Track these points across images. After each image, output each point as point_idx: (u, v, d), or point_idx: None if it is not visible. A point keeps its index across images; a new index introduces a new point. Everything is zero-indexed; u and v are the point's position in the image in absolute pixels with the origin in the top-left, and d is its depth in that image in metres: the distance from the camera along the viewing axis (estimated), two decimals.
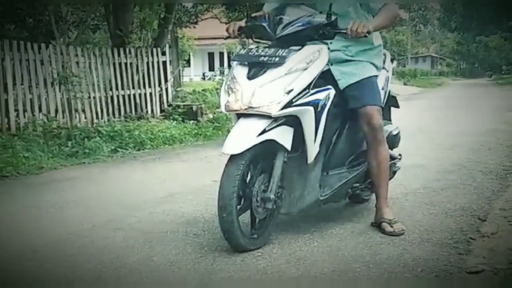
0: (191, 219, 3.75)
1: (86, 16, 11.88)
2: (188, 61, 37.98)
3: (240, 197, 3.00)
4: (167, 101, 10.72)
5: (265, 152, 3.03)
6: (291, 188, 3.21)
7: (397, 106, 4.18)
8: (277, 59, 2.99)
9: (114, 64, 9.61)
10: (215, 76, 40.80)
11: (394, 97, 4.14)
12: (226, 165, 2.94)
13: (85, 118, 8.78)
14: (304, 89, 3.02)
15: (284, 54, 3.01)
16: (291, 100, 2.97)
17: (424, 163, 5.89)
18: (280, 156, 3.07)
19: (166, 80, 10.75)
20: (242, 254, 3.02)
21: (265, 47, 3.12)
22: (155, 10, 10.31)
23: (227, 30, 3.41)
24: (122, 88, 9.72)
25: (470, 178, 5.21)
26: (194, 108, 10.28)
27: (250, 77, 3.01)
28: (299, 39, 3.14)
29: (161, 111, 10.51)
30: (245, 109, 2.96)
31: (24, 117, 7.80)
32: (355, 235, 3.42)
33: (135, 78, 9.95)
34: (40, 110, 8.07)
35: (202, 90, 16.74)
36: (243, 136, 2.92)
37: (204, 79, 43.81)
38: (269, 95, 2.93)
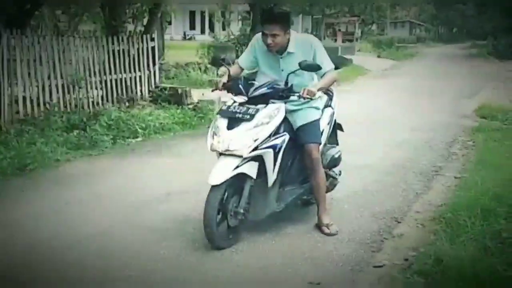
0: (185, 219, 5.05)
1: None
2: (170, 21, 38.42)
3: (219, 212, 4.30)
4: (155, 83, 11.85)
5: (237, 180, 4.33)
6: (256, 203, 4.53)
7: (342, 130, 5.48)
8: (247, 116, 4.29)
9: (108, 50, 10.69)
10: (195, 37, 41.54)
11: (339, 124, 5.44)
12: (209, 191, 4.24)
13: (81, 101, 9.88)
14: (267, 137, 4.31)
15: (253, 112, 4.29)
16: (257, 145, 4.26)
17: (371, 162, 7.20)
18: (248, 182, 4.39)
19: (154, 64, 11.87)
20: (221, 250, 4.36)
21: (239, 105, 4.39)
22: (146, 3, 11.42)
23: (216, 84, 4.67)
24: (115, 73, 10.83)
25: (403, 179, 6.56)
26: (180, 91, 11.46)
27: (229, 128, 4.30)
28: (265, 98, 4.43)
29: (149, 92, 11.66)
30: (225, 150, 4.25)
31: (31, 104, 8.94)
32: (302, 235, 4.76)
33: (127, 62, 11.06)
34: (43, 97, 9.19)
35: (185, 65, 17.88)
36: (222, 171, 4.22)
37: (185, 38, 44.51)
38: (241, 142, 4.23)
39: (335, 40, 41.70)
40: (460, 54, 40.35)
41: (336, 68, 4.95)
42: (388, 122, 10.50)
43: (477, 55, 37.11)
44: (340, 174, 5.40)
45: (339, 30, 47.78)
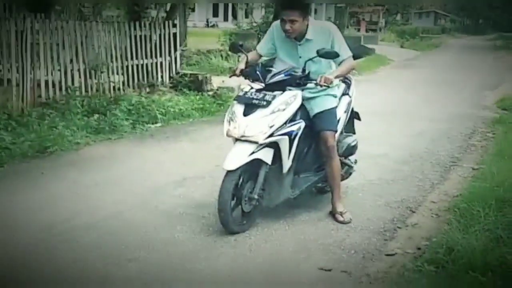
0: (200, 203, 5.13)
1: None
2: (193, 8, 38.24)
3: (233, 198, 4.35)
4: (175, 69, 11.91)
5: (252, 166, 4.37)
6: (270, 189, 4.57)
7: (359, 119, 5.49)
8: (264, 102, 4.31)
9: (130, 36, 10.75)
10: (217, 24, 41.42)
11: (357, 113, 5.45)
12: (224, 176, 4.29)
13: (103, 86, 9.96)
14: (282, 124, 4.34)
15: (269, 99, 4.32)
16: (273, 132, 4.29)
17: (388, 152, 7.20)
18: (263, 168, 4.43)
19: (175, 50, 11.92)
20: (235, 235, 4.41)
21: (256, 91, 4.42)
22: None
23: (234, 71, 4.71)
24: (136, 58, 10.90)
25: (420, 170, 6.54)
26: (200, 77, 11.52)
27: (245, 114, 4.33)
28: (282, 85, 4.45)
29: (170, 78, 11.73)
30: (241, 136, 4.29)
31: (53, 88, 9.04)
32: (315, 222, 4.80)
33: (148, 48, 11.13)
34: (65, 81, 9.29)
35: (207, 52, 17.92)
36: (238, 156, 4.26)
37: (208, 25, 44.49)
38: (257, 128, 4.26)
39: (359, 30, 41.47)
40: (485, 46, 39.82)
41: (358, 57, 4.96)
42: (407, 112, 10.47)
43: (502, 47, 36.53)
44: (356, 163, 5.41)
45: (363, 19, 47.58)
